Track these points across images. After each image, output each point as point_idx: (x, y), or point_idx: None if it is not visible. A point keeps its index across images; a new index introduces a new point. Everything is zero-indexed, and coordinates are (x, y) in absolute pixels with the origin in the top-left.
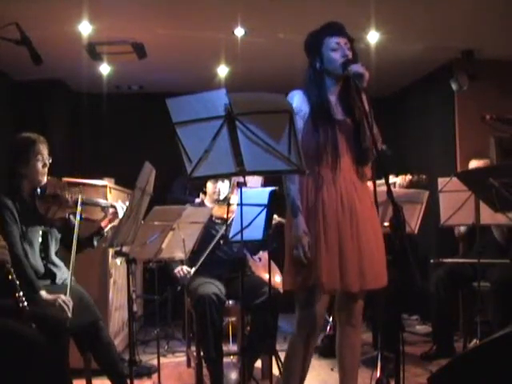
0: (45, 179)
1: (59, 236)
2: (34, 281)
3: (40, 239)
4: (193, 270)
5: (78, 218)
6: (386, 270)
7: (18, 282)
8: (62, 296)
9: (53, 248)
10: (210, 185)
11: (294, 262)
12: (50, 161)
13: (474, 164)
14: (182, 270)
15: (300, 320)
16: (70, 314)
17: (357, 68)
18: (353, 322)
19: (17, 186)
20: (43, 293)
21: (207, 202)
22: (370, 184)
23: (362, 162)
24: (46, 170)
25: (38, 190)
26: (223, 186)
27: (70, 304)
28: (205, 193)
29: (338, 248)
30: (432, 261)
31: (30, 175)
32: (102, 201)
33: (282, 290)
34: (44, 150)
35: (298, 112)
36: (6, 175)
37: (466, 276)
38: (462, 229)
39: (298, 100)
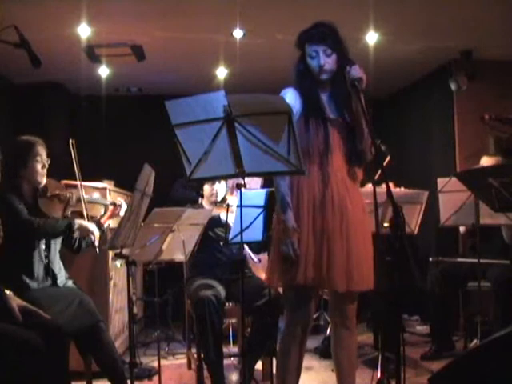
0: (44, 180)
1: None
2: (55, 223)
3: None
4: None
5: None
6: (384, 271)
7: None
8: (95, 226)
9: (55, 247)
10: (207, 187)
11: (282, 259)
12: (49, 162)
13: (485, 160)
14: None
15: (290, 319)
16: (97, 243)
17: (355, 72)
18: (346, 324)
19: (17, 187)
20: (77, 221)
21: (205, 205)
22: (366, 188)
23: (356, 163)
24: (45, 171)
25: (40, 190)
26: (220, 188)
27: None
28: (202, 195)
29: (327, 246)
30: (431, 259)
31: (29, 176)
32: (103, 199)
33: (282, 292)
34: (42, 151)
35: None
36: (6, 177)
37: (462, 275)
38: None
39: (290, 97)
